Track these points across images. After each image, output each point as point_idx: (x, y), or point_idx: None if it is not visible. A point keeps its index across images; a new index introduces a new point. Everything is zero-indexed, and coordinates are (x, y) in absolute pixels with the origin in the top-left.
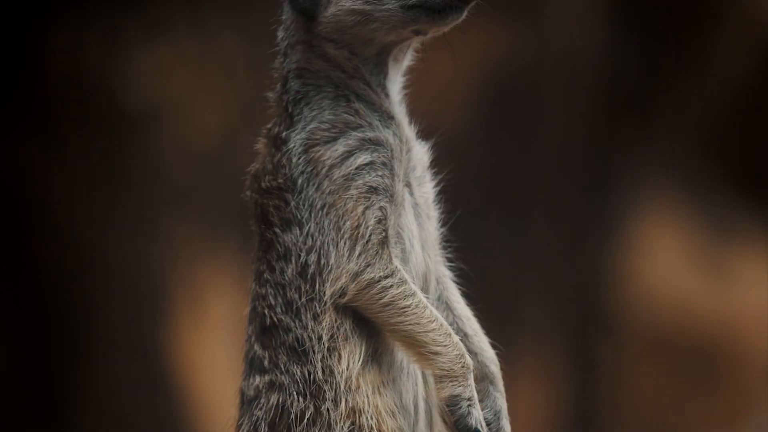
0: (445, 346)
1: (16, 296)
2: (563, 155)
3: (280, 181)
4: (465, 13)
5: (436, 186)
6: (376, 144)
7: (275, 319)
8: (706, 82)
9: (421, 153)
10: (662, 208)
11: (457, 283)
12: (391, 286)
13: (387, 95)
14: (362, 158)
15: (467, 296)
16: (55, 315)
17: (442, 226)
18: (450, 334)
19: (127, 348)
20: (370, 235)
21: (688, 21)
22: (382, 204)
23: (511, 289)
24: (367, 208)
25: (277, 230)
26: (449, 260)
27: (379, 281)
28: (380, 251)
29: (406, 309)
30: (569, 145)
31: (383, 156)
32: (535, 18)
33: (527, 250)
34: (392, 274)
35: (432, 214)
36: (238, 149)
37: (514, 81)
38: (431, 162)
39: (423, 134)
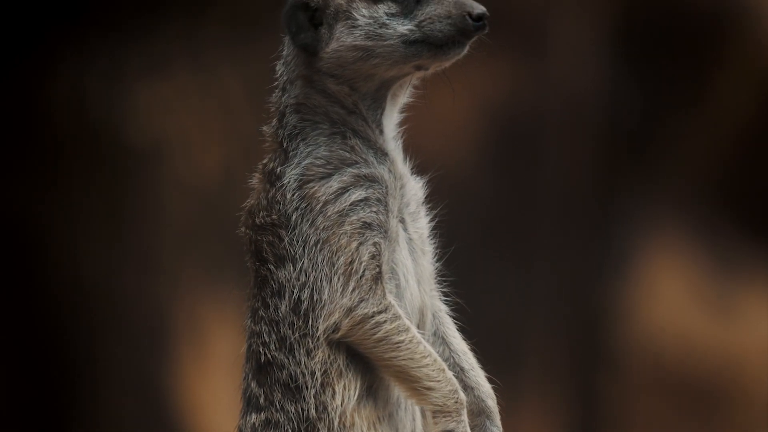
0: (439, 381)
1: (20, 334)
2: (566, 192)
3: (275, 217)
4: (467, 48)
5: (432, 221)
6: (371, 180)
7: (269, 356)
8: (709, 122)
9: (415, 188)
10: (665, 245)
11: (453, 317)
12: (385, 321)
13: (381, 132)
14: (357, 194)
15: (464, 331)
16: (58, 353)
17: (438, 260)
18: (443, 370)
19: (131, 385)
20: (363, 271)
21: (691, 62)
22: (376, 240)
23: (514, 326)
24: (361, 243)
25: (272, 267)
26: (445, 295)
27: (372, 316)
28: (374, 287)
29: (399, 344)
30: (572, 182)
31: (378, 192)
32: (538, 56)
33: (531, 287)
34: (386, 309)
35: (427, 249)
36: (239, 186)
37: (516, 119)
38: (430, 197)
39: (423, 170)
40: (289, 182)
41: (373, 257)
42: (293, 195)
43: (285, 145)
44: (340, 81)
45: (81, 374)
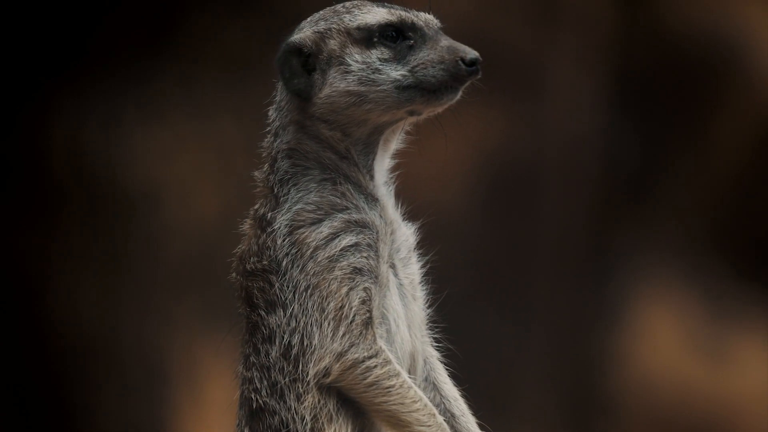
0: (429, 426)
1: (18, 378)
2: (561, 239)
3: (265, 262)
4: (460, 94)
5: (425, 267)
6: (361, 226)
7: (261, 402)
8: (706, 167)
9: (407, 234)
10: (661, 291)
11: (444, 363)
12: (376, 366)
13: (372, 177)
14: (347, 240)
15: (456, 377)
16: (56, 395)
17: (430, 306)
18: (434, 415)
19: (126, 428)
20: (354, 316)
21: (686, 107)
22: (366, 285)
23: (508, 372)
24: (351, 289)
25: (262, 312)
26: (437, 341)
27: (363, 361)
28: (364, 332)
29: (390, 389)
30: (567, 228)
31: (368, 238)
32: (533, 101)
33: (525, 333)
34: (376, 354)
35: (418, 295)
36: (235, 231)
37: (511, 164)
38: (423, 243)
39: (416, 215)
40: (279, 228)
41: (363, 302)
42: (284, 240)
43: (276, 190)
44: (332, 126)
45: (79, 418)
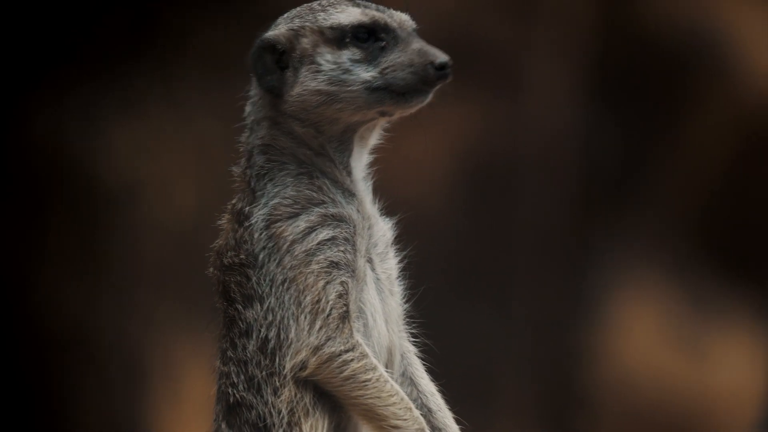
0: (405, 420)
1: None
2: (540, 233)
3: (242, 256)
4: (430, 97)
5: (402, 262)
6: (338, 220)
7: (238, 396)
8: (685, 162)
9: (384, 229)
10: (641, 286)
11: (422, 359)
12: (352, 360)
13: (349, 173)
14: (324, 234)
15: (434, 372)
16: (33, 393)
17: (407, 301)
18: (410, 409)
19: (107, 424)
20: (330, 310)
21: (667, 100)
22: (343, 279)
23: (486, 366)
24: (328, 282)
25: (239, 306)
26: (414, 336)
27: (339, 355)
28: (341, 325)
29: (366, 383)
30: (546, 223)
31: (345, 232)
32: (512, 96)
33: (504, 328)
34: (353, 348)
35: (395, 290)
36: (214, 227)
37: (490, 159)
38: (401, 238)
39: (394, 210)
40: (256, 222)
41: (340, 296)
42: (261, 234)
43: (253, 184)
44: (305, 124)
45: (58, 414)
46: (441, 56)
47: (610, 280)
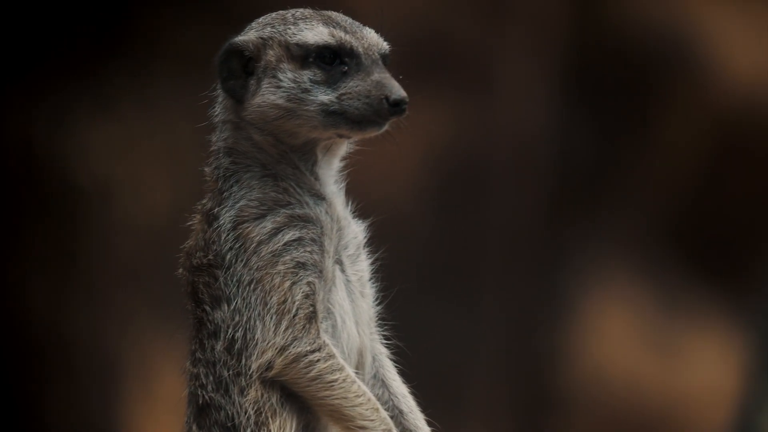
0: (372, 420)
1: None
2: (512, 234)
3: (210, 257)
4: (386, 127)
5: (375, 264)
6: (305, 221)
7: (207, 397)
8: (658, 162)
9: (356, 232)
10: (613, 286)
11: (394, 361)
12: (318, 360)
13: (317, 178)
14: (290, 234)
15: (405, 374)
16: (5, 392)
17: (380, 303)
18: (377, 409)
19: (79, 424)
20: (297, 310)
21: (641, 101)
22: (309, 279)
23: (460, 368)
24: (294, 283)
25: (207, 308)
26: (386, 338)
27: (306, 355)
28: (308, 326)
29: (333, 383)
30: (519, 223)
31: (312, 232)
32: (484, 97)
33: (477, 329)
34: (319, 348)
35: (367, 292)
36: (187, 225)
37: (463, 159)
38: (374, 240)
39: (367, 213)
40: (224, 223)
41: (306, 296)
42: (228, 235)
43: (220, 185)
44: (264, 133)
45: (29, 413)
46: (396, 92)
47: (583, 280)
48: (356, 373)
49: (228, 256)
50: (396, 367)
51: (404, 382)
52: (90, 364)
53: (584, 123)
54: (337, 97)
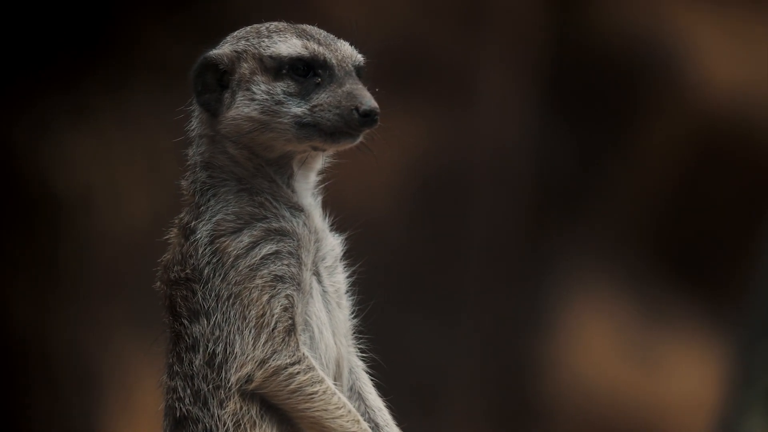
0: None
1: None
2: (492, 245)
3: (188, 271)
4: (360, 139)
5: (352, 276)
6: (281, 234)
7: (185, 410)
8: (637, 171)
9: (333, 244)
10: (594, 296)
11: (370, 374)
12: (298, 372)
13: (294, 191)
14: (267, 248)
15: (382, 387)
16: None
17: (357, 316)
18: (358, 421)
19: None
20: (275, 323)
21: (620, 110)
22: (288, 292)
23: (439, 378)
24: (272, 296)
25: (185, 321)
26: (362, 351)
27: (285, 368)
28: (287, 338)
29: (313, 395)
30: (498, 234)
31: (289, 245)
32: (463, 108)
33: (456, 339)
34: (299, 361)
35: (344, 304)
36: (166, 237)
37: (441, 169)
38: (351, 252)
39: (345, 224)
40: (201, 237)
41: (285, 309)
42: (205, 249)
43: (197, 199)
44: (239, 146)
45: (9, 422)
46: (367, 103)
47: (563, 291)
48: (335, 384)
49: (206, 271)
50: (372, 380)
51: (380, 396)
52: (69, 372)
53: (563, 132)
54: (309, 109)
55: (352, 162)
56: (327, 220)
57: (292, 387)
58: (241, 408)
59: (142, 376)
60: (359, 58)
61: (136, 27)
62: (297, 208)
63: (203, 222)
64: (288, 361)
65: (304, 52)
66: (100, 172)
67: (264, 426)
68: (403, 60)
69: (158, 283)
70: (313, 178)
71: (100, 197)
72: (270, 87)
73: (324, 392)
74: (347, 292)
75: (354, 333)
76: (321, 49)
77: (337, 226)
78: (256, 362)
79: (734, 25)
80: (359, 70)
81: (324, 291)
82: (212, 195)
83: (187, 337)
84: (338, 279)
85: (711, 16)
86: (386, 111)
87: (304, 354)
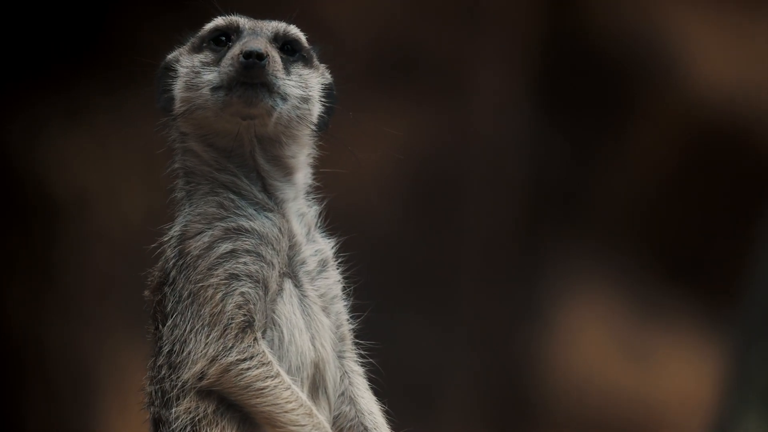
0: (303, 426)
1: None
2: (488, 244)
3: (162, 275)
4: (267, 98)
5: (348, 278)
6: (239, 232)
7: (157, 414)
8: (631, 169)
9: (317, 248)
10: (588, 295)
11: (368, 378)
12: (249, 368)
13: (266, 189)
14: (224, 247)
15: (379, 391)
16: None
17: (354, 319)
18: (310, 414)
19: None
20: (228, 321)
21: (613, 109)
22: (243, 290)
23: (435, 378)
24: (226, 294)
25: (160, 326)
26: (361, 356)
27: (237, 364)
28: (240, 335)
29: (263, 390)
30: (494, 233)
31: (246, 244)
32: (458, 107)
33: (452, 339)
34: (251, 357)
35: (333, 308)
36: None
37: (436, 169)
38: (345, 253)
39: (340, 225)
40: (171, 241)
41: (239, 307)
42: (173, 251)
43: (179, 206)
44: (194, 138)
45: (4, 424)
46: (250, 45)
47: (557, 290)
48: (293, 380)
49: (172, 273)
50: (371, 385)
51: (377, 401)
52: (65, 373)
53: (558, 132)
54: (219, 72)
55: (347, 161)
56: (318, 225)
57: (243, 383)
58: (197, 406)
59: (137, 377)
60: (290, 30)
61: (132, 28)
62: (266, 207)
63: (176, 226)
64: (239, 357)
65: (221, 22)
66: (96, 173)
67: (223, 424)
68: (399, 60)
69: (146, 292)
70: (299, 180)
71: (95, 199)
72: (190, 60)
73: (275, 387)
74: (339, 296)
75: (352, 338)
76: (238, 18)
77: (330, 226)
78: (207, 359)
79: (727, 25)
80: (292, 45)
81: (303, 295)
82: (187, 200)
83: (159, 341)
84: (325, 283)
85: (703, 17)
86: (383, 110)
87: (258, 350)
